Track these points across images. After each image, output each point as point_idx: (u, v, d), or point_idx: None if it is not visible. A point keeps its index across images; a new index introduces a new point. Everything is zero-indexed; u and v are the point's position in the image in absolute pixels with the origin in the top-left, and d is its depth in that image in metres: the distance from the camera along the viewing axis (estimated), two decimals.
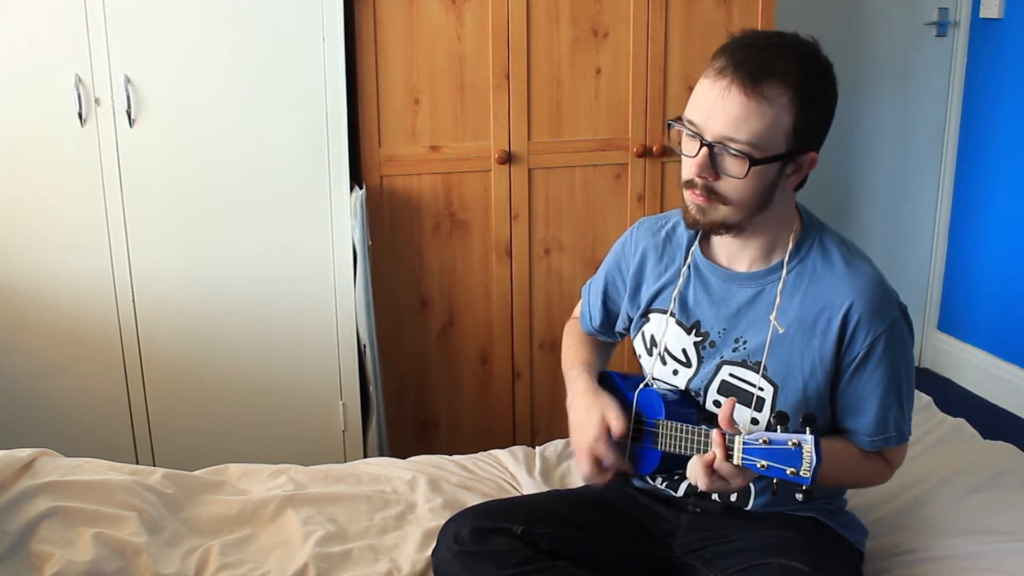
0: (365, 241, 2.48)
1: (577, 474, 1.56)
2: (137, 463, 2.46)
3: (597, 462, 1.55)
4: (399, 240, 2.64)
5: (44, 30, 2.26)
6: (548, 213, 2.72)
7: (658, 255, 1.65)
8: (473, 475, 1.99)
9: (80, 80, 2.29)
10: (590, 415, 1.57)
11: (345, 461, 2.27)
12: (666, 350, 1.60)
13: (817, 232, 1.53)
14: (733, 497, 1.58)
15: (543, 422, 2.86)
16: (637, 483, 1.70)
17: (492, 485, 1.96)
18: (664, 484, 1.65)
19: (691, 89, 1.44)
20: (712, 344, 1.56)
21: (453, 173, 2.63)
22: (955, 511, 1.77)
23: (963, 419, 2.19)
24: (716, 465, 1.34)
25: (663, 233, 1.66)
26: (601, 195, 2.75)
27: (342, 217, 2.50)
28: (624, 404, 1.58)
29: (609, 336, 1.81)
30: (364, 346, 2.56)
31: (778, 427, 1.29)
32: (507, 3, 2.56)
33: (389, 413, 2.67)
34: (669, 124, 1.48)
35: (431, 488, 1.91)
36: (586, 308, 1.82)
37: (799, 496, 1.27)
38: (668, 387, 1.60)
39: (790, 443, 1.26)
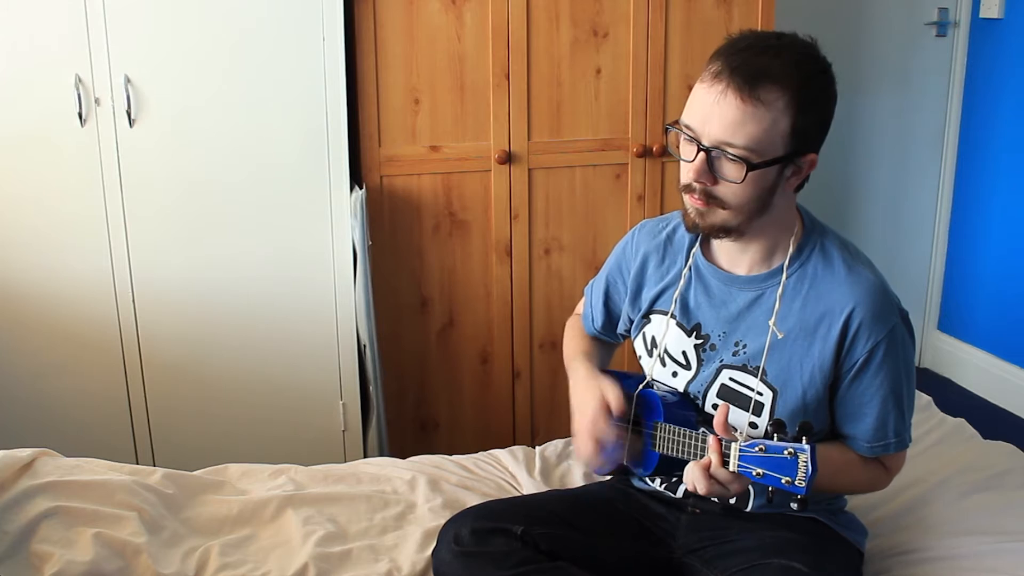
0: (365, 241, 2.48)
1: (577, 460, 1.55)
2: (137, 463, 2.46)
3: (598, 444, 1.53)
4: (399, 240, 2.64)
5: (44, 30, 2.26)
6: (548, 213, 2.72)
7: (659, 257, 1.65)
8: (473, 475, 1.99)
9: (80, 80, 2.29)
10: (588, 396, 1.57)
11: (345, 461, 2.27)
12: (666, 352, 1.60)
13: (819, 236, 1.52)
14: (732, 499, 1.58)
15: (543, 422, 2.86)
16: (637, 483, 1.70)
17: (492, 485, 1.96)
18: (663, 485, 1.65)
19: (691, 89, 1.44)
20: (712, 347, 1.55)
21: (453, 173, 2.63)
22: (955, 511, 1.77)
23: (963, 419, 2.19)
24: (712, 471, 1.33)
25: (664, 235, 1.66)
26: (601, 195, 2.75)
27: (342, 217, 2.50)
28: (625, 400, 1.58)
29: (611, 337, 1.81)
30: (364, 346, 2.56)
31: (775, 435, 1.29)
32: (507, 3, 2.56)
33: (389, 413, 2.67)
34: (666, 128, 1.48)
35: (431, 488, 1.91)
36: (588, 310, 1.82)
37: (794, 505, 1.27)
38: (667, 389, 1.60)
39: (786, 452, 1.26)
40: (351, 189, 2.50)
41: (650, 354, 1.64)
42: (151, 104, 2.35)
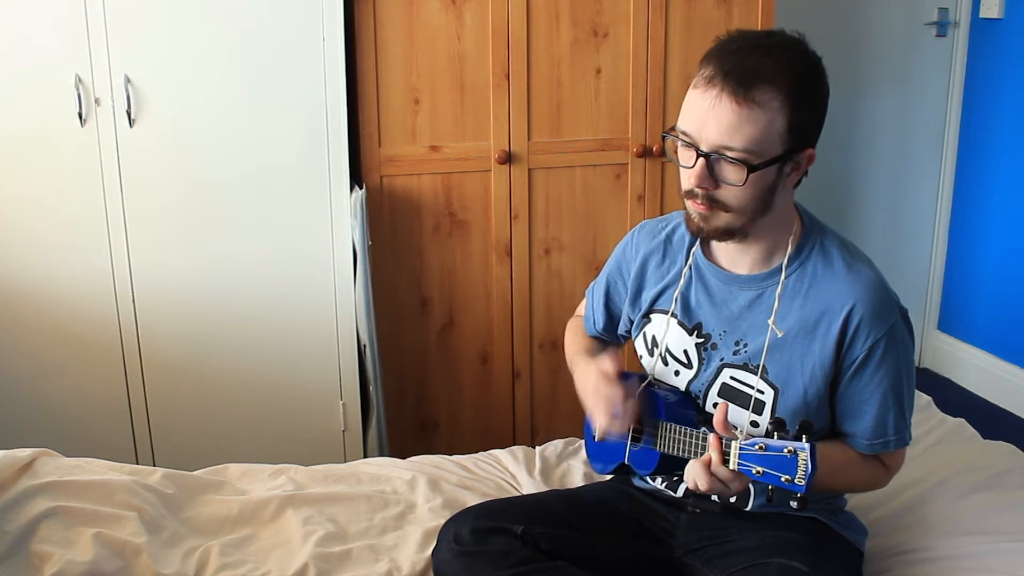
0: (365, 241, 2.48)
1: (602, 436, 1.55)
2: (137, 463, 2.46)
3: (609, 408, 1.51)
4: (399, 240, 2.64)
5: (44, 30, 2.26)
6: (548, 213, 2.72)
7: (660, 257, 1.65)
8: (473, 475, 1.99)
9: (80, 80, 2.29)
10: (589, 374, 1.57)
11: (345, 461, 2.27)
12: (667, 350, 1.60)
13: (818, 235, 1.53)
14: (733, 498, 1.58)
15: (543, 422, 2.86)
16: (637, 483, 1.70)
17: (492, 485, 1.96)
18: (664, 484, 1.65)
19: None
20: (713, 346, 1.56)
21: (453, 173, 2.63)
22: (955, 511, 1.77)
23: (963, 419, 2.19)
24: (713, 468, 1.34)
25: (663, 235, 1.66)
26: (601, 195, 2.75)
27: (342, 217, 2.50)
28: None
29: (612, 338, 1.81)
30: (364, 346, 2.56)
31: (775, 434, 1.29)
32: (507, 3, 2.56)
33: (389, 413, 2.67)
34: (663, 136, 1.48)
35: (431, 488, 1.91)
36: (589, 311, 1.82)
37: (794, 504, 1.27)
38: (668, 388, 1.60)
39: (786, 451, 1.26)
40: (351, 189, 2.50)
41: (651, 353, 1.64)
42: (151, 104, 2.35)
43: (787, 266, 1.50)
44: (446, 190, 2.64)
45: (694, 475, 1.36)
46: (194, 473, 1.93)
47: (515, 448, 2.11)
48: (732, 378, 1.53)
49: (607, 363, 1.54)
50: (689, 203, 1.46)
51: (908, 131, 3.62)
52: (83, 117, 2.31)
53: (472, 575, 1.50)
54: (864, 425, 1.50)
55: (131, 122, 2.34)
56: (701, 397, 1.57)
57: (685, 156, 1.43)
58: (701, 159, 1.39)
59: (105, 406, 2.50)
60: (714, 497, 1.59)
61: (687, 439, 1.46)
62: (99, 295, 2.42)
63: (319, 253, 2.52)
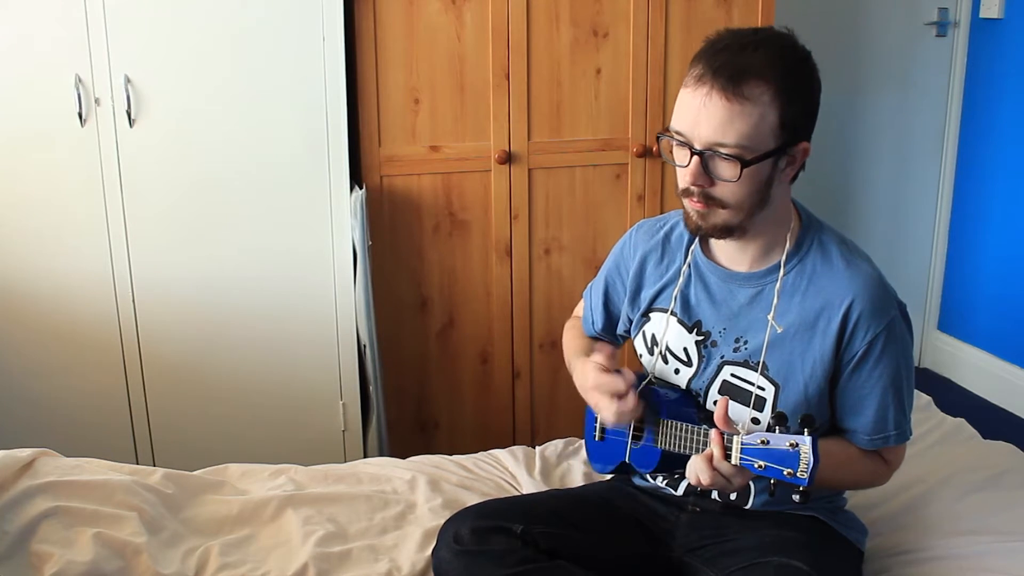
0: (365, 241, 2.48)
1: (609, 425, 1.54)
2: (137, 463, 2.46)
3: (612, 396, 1.51)
4: (399, 240, 2.64)
5: (44, 30, 2.26)
6: (548, 213, 2.72)
7: (658, 256, 1.65)
8: (473, 475, 1.99)
9: (80, 80, 2.29)
10: (587, 370, 1.56)
11: (345, 461, 2.27)
12: (667, 349, 1.61)
13: (816, 231, 1.53)
14: (733, 496, 1.58)
15: (543, 422, 2.86)
16: (637, 482, 1.70)
17: (492, 485, 1.96)
18: (664, 483, 1.65)
19: None
20: (713, 344, 1.56)
21: (453, 173, 2.63)
22: (955, 511, 1.77)
23: (963, 419, 2.19)
24: (715, 463, 1.34)
25: (662, 234, 1.66)
26: (601, 195, 2.75)
27: (342, 217, 2.50)
28: None
29: (611, 338, 1.81)
30: (364, 346, 2.56)
31: (776, 428, 1.30)
32: (507, 3, 2.56)
33: (389, 413, 2.67)
34: (657, 137, 1.48)
35: (431, 488, 1.91)
36: (588, 312, 1.82)
37: (796, 497, 1.27)
38: (669, 387, 1.60)
39: (788, 444, 1.26)
40: (351, 189, 2.50)
41: (651, 352, 1.64)
42: (151, 104, 2.35)
43: (786, 263, 1.51)
44: (446, 190, 2.64)
45: (696, 470, 1.36)
46: (194, 473, 1.93)
47: (515, 448, 2.11)
48: (733, 375, 1.53)
49: (600, 356, 1.55)
50: (686, 202, 1.47)
51: (908, 131, 3.62)
52: (83, 117, 2.31)
53: (472, 575, 1.50)
54: (864, 420, 1.50)
55: (131, 122, 2.34)
56: (702, 395, 1.57)
57: (679, 155, 1.44)
58: (695, 157, 1.40)
59: (105, 406, 2.50)
60: (715, 495, 1.59)
61: (688, 436, 1.46)
62: (99, 295, 2.42)
63: (319, 253, 2.52)
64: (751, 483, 1.56)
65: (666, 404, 1.54)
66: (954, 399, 3.40)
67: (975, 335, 3.57)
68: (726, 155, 1.38)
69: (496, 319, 2.76)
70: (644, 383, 1.60)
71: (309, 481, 1.93)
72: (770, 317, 1.50)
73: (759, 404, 1.51)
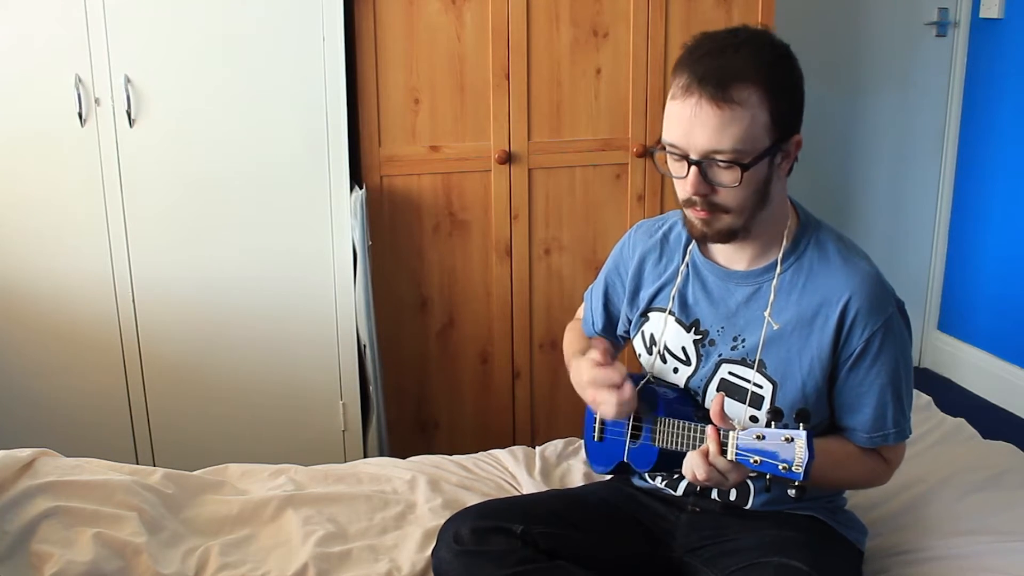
0: (365, 241, 2.48)
1: (608, 418, 1.54)
2: (137, 463, 2.46)
3: (610, 390, 1.51)
4: (399, 240, 2.64)
5: (44, 30, 2.26)
6: (548, 213, 2.72)
7: (657, 256, 1.65)
8: (473, 475, 1.99)
9: (80, 80, 2.29)
10: (582, 367, 1.57)
11: (345, 461, 2.27)
12: (666, 348, 1.61)
13: (813, 229, 1.54)
14: (732, 496, 1.58)
15: (543, 422, 2.86)
16: (637, 482, 1.70)
17: (492, 485, 1.96)
18: (664, 483, 1.65)
19: None
20: (711, 342, 1.56)
21: (453, 173, 2.63)
22: (955, 511, 1.77)
23: (963, 419, 2.19)
24: (711, 458, 1.34)
25: (660, 234, 1.67)
26: (601, 195, 2.75)
27: (342, 217, 2.50)
28: None
29: (611, 339, 1.81)
30: (364, 346, 2.56)
31: (772, 423, 1.30)
32: (507, 3, 2.56)
33: (389, 413, 2.67)
34: (651, 152, 1.48)
35: (431, 488, 1.91)
36: (588, 313, 1.82)
37: (791, 492, 1.26)
38: (667, 386, 1.60)
39: (783, 438, 1.26)
40: (351, 189, 2.50)
41: (649, 352, 1.64)
42: (151, 104, 2.35)
43: (783, 260, 1.51)
44: (446, 190, 2.64)
45: (692, 465, 1.36)
46: (194, 473, 1.93)
47: (515, 448, 2.11)
48: (731, 373, 1.53)
49: (594, 352, 1.55)
50: (689, 212, 1.47)
51: (908, 131, 3.62)
52: (83, 117, 2.31)
53: (472, 575, 1.50)
54: (863, 418, 1.50)
55: (131, 122, 2.34)
56: (700, 393, 1.57)
57: (676, 167, 1.44)
58: (693, 167, 1.40)
59: (105, 406, 2.50)
60: (714, 494, 1.59)
61: (685, 433, 1.46)
62: (99, 295, 2.42)
63: (319, 253, 2.52)
64: (751, 483, 1.56)
65: (664, 402, 1.54)
66: (954, 399, 3.40)
67: (975, 335, 3.57)
68: (724, 162, 1.38)
69: (496, 319, 2.76)
70: (643, 382, 1.60)
71: (309, 481, 1.93)
72: (766, 313, 1.50)
73: (757, 402, 1.51)
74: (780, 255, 1.51)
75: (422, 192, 2.62)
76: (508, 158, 2.64)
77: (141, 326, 2.47)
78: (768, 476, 1.29)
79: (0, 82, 2.27)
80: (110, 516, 1.68)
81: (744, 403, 1.52)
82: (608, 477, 1.77)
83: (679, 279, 1.60)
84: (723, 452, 1.33)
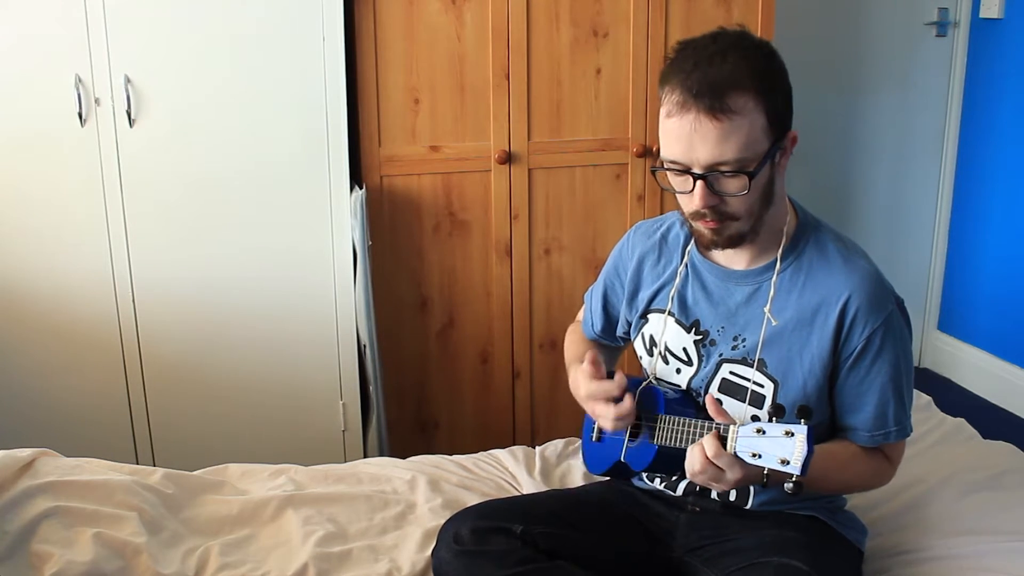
0: (365, 241, 2.48)
1: (607, 428, 1.54)
2: (137, 463, 2.46)
3: (606, 401, 1.51)
4: (399, 240, 2.64)
5: (44, 30, 2.26)
6: (548, 213, 2.72)
7: (655, 257, 1.65)
8: (473, 475, 1.99)
9: (80, 80, 2.29)
10: (576, 375, 1.57)
11: (345, 461, 2.27)
12: (667, 349, 1.61)
13: (812, 229, 1.54)
14: (732, 496, 1.58)
15: (543, 422, 2.86)
16: (637, 482, 1.70)
17: (492, 485, 1.96)
18: (663, 484, 1.65)
19: None
20: (712, 342, 1.56)
21: (453, 173, 2.63)
22: (955, 511, 1.77)
23: (963, 419, 2.19)
24: (711, 454, 1.33)
25: (659, 235, 1.67)
26: (601, 195, 2.75)
27: (342, 217, 2.50)
28: None
29: (611, 341, 1.81)
30: (364, 346, 2.56)
31: (773, 419, 1.30)
32: (507, 3, 2.56)
33: (389, 413, 2.67)
34: (652, 171, 1.48)
35: (431, 488, 1.91)
36: (588, 315, 1.82)
37: (788, 487, 1.25)
38: (669, 386, 1.60)
39: (783, 432, 1.26)
40: (351, 189, 2.50)
41: (650, 353, 1.64)
42: (151, 104, 2.35)
43: (783, 259, 1.51)
44: (446, 190, 2.64)
45: (691, 460, 1.35)
46: (194, 473, 1.93)
47: (515, 448, 2.11)
48: (732, 373, 1.54)
49: (587, 364, 1.55)
50: (698, 224, 1.46)
51: (908, 131, 3.62)
52: (83, 117, 2.31)
53: (472, 575, 1.50)
54: (864, 417, 1.50)
55: (131, 122, 2.34)
56: (701, 393, 1.57)
57: (680, 183, 1.43)
58: (700, 181, 1.40)
59: (105, 406, 2.50)
60: (714, 495, 1.59)
61: (685, 429, 1.46)
62: (99, 295, 2.42)
63: (319, 253, 2.52)
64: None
65: (665, 402, 1.54)
66: (954, 399, 3.40)
67: (975, 335, 3.57)
68: (729, 171, 1.38)
69: (496, 319, 2.76)
70: (644, 384, 1.60)
71: (309, 481, 1.93)
72: (766, 310, 1.50)
73: (758, 401, 1.51)
74: (779, 253, 1.51)
75: (422, 192, 2.62)
76: (508, 158, 2.64)
77: (141, 326, 2.47)
78: (766, 470, 1.29)
79: (0, 82, 2.27)
80: (110, 516, 1.68)
81: (745, 402, 1.52)
82: (608, 478, 1.77)
83: (678, 280, 1.60)
84: (723, 446, 1.33)
